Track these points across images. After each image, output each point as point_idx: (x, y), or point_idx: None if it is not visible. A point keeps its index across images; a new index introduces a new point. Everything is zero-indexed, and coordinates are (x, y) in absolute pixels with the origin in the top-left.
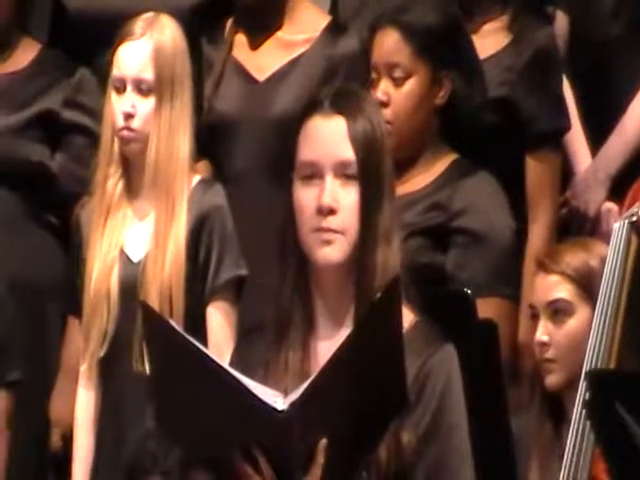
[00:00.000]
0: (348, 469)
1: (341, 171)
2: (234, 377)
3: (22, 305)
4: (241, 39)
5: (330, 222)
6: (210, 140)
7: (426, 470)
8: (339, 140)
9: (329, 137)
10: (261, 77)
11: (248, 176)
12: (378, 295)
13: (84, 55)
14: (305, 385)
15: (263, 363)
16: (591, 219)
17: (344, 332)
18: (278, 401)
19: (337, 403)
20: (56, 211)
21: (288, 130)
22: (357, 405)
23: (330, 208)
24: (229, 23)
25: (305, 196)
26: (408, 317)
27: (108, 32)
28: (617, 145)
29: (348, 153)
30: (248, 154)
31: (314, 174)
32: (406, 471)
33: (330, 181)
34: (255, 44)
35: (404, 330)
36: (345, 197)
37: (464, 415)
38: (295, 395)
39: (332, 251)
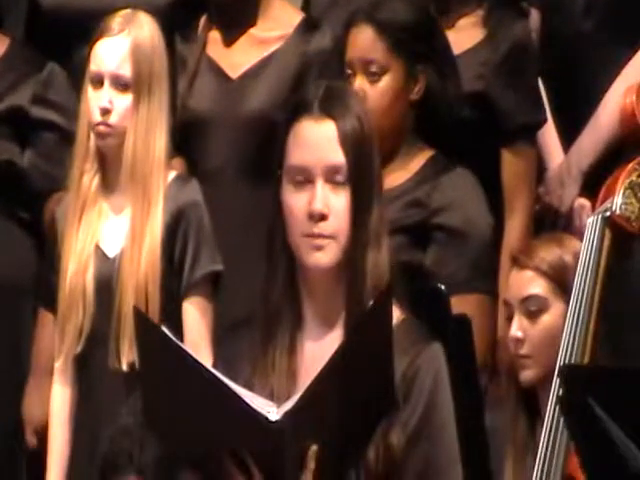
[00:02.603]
0: (338, 472)
1: (332, 176)
2: (228, 386)
3: None
4: (215, 36)
5: (321, 228)
6: (184, 137)
7: (416, 470)
8: (330, 145)
9: (319, 142)
10: (235, 74)
11: (222, 173)
12: (370, 303)
13: (60, 51)
14: (298, 395)
15: (250, 361)
16: (564, 215)
17: (333, 333)
18: (271, 411)
19: (328, 410)
20: (26, 208)
21: (262, 127)
22: (347, 410)
23: (322, 214)
24: (202, 20)
25: (296, 200)
26: (395, 314)
27: (85, 28)
28: (589, 141)
29: (339, 157)
30: (222, 151)
31: (305, 178)
32: (395, 471)
33: (321, 186)
34: (229, 41)
35: None
36: (336, 202)
37: (452, 414)
38: (288, 405)
39: (323, 256)
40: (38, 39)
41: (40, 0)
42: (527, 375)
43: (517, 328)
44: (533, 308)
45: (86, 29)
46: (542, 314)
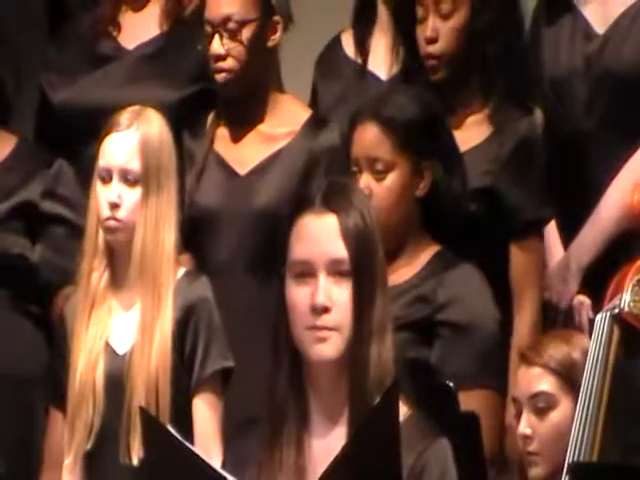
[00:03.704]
0: None
1: (334, 269)
2: None
3: (5, 396)
4: (223, 132)
5: (324, 320)
6: (192, 233)
7: None
8: (331, 238)
9: (321, 235)
10: (243, 170)
11: (230, 269)
12: (378, 399)
13: (70, 148)
14: None
15: (256, 460)
16: (563, 311)
17: (339, 429)
18: None
19: None
20: (36, 301)
21: (270, 223)
22: None
23: (324, 307)
24: (210, 116)
25: (298, 294)
26: (402, 409)
27: (95, 124)
28: (589, 237)
29: (341, 251)
30: (230, 247)
31: (307, 272)
32: None
33: (323, 279)
34: (237, 137)
35: None
36: (339, 294)
37: None
38: None
39: (326, 348)
40: (48, 136)
41: (51, 96)
42: (536, 472)
43: (525, 425)
44: (541, 405)
45: (96, 125)
46: (550, 411)
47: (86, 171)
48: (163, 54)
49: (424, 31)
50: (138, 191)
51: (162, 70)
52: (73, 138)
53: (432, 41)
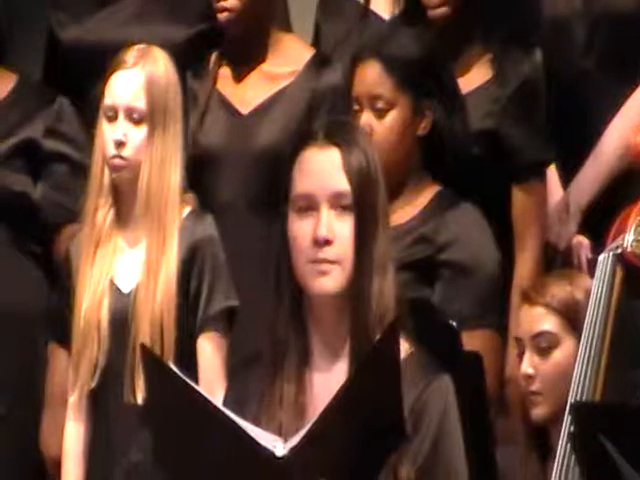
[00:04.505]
0: None
1: (336, 202)
2: (234, 422)
3: (7, 334)
4: (225, 72)
5: (326, 253)
6: (195, 173)
7: None
8: (334, 171)
9: (324, 169)
10: (245, 110)
11: (233, 208)
12: (378, 336)
13: (78, 87)
14: (305, 429)
15: (257, 395)
16: (562, 252)
17: (340, 365)
18: (278, 446)
19: (336, 444)
20: (38, 240)
21: (272, 162)
22: (355, 444)
23: (326, 239)
24: (213, 56)
25: (300, 228)
26: (403, 347)
27: (102, 63)
28: (589, 177)
29: (343, 184)
30: (233, 186)
31: (309, 206)
32: None
33: (325, 212)
34: (239, 77)
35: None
36: (341, 228)
37: (462, 445)
38: (295, 440)
39: (328, 281)
40: (56, 75)
41: (60, 35)
42: (538, 412)
43: (528, 365)
44: (544, 345)
45: (104, 64)
46: (553, 351)
47: (94, 110)
48: None
49: None
50: (144, 129)
51: (170, 8)
52: (81, 77)
53: None
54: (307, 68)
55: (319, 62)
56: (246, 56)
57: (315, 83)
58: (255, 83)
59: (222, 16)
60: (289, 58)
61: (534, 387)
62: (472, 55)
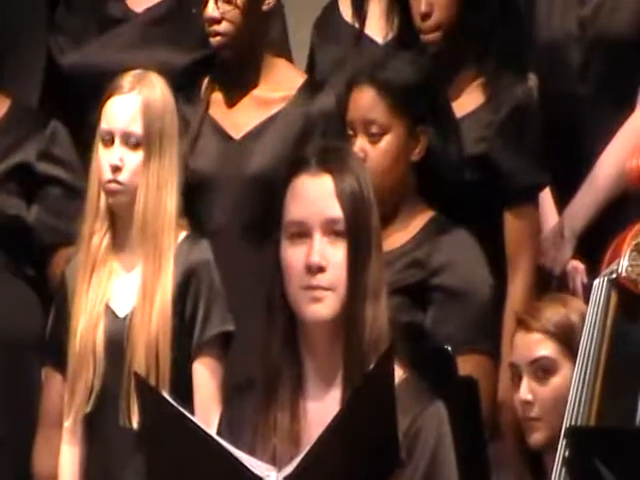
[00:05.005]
0: None
1: (329, 229)
2: (228, 451)
3: (1, 358)
4: (217, 97)
5: (319, 280)
6: (187, 198)
7: None
8: (326, 198)
9: (317, 195)
10: (237, 135)
11: (226, 234)
12: (372, 365)
13: (77, 111)
14: (299, 458)
15: (251, 423)
16: (557, 277)
17: (334, 392)
18: (272, 475)
19: (331, 472)
20: (32, 263)
21: (264, 187)
22: (350, 471)
23: (319, 266)
24: (205, 81)
25: (293, 254)
26: (397, 372)
27: (102, 88)
28: (584, 203)
29: (336, 211)
30: (225, 212)
31: (302, 232)
32: None
33: (318, 239)
34: (231, 102)
35: None
36: (334, 254)
37: (455, 472)
38: (289, 469)
39: (322, 308)
40: (55, 99)
41: (59, 60)
42: (537, 437)
43: (527, 391)
44: (543, 370)
45: (104, 88)
46: (552, 376)
47: (94, 135)
48: (172, 17)
49: (419, 5)
50: (140, 154)
51: (171, 33)
52: (80, 102)
53: (427, 16)
54: (299, 93)
55: (312, 87)
56: (238, 81)
57: (308, 108)
58: (247, 108)
59: (215, 40)
60: (281, 83)
61: (533, 413)
62: (465, 79)
